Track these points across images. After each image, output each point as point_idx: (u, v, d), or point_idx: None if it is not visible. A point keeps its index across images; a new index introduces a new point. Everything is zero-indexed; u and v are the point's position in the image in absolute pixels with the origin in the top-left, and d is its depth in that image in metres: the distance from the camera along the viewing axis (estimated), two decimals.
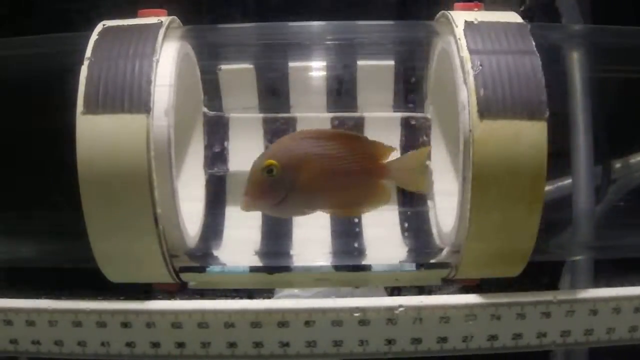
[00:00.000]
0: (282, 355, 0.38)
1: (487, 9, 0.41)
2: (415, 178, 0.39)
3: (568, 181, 0.45)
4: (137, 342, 0.38)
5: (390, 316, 0.37)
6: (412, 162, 0.38)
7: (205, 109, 0.47)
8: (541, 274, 0.47)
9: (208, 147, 0.47)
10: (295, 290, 0.48)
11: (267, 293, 0.48)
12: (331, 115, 0.47)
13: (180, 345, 0.38)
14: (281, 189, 0.36)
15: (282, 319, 0.37)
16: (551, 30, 0.45)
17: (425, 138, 0.47)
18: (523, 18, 0.39)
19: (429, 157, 0.44)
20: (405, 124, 0.48)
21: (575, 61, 0.44)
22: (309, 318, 0.37)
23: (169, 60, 0.37)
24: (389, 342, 0.38)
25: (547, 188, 0.42)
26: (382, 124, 0.47)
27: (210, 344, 0.38)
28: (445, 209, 0.43)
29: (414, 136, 0.47)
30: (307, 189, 0.37)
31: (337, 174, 0.37)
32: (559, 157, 0.44)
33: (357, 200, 0.38)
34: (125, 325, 0.38)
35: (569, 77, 0.44)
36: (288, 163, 0.36)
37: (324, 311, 0.37)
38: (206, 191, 0.47)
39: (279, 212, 0.39)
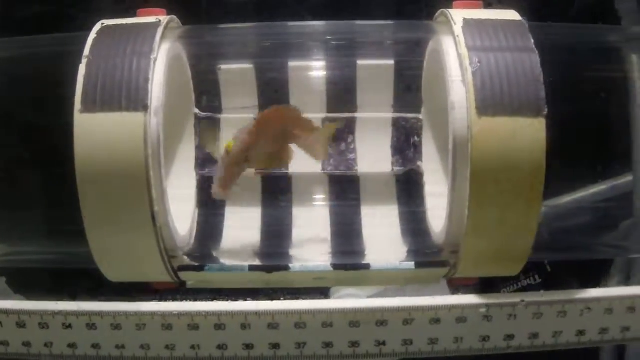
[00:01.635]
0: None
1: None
2: (314, 147, 0.42)
3: (624, 180, 0.45)
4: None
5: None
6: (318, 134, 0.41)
7: (196, 110, 0.47)
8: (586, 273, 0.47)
9: (199, 148, 0.47)
10: (351, 290, 0.48)
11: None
12: (323, 115, 0.47)
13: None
14: None
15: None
16: (611, 33, 0.46)
17: (416, 138, 0.47)
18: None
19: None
20: (397, 124, 0.48)
21: (635, 62, 0.44)
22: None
23: (160, 60, 0.37)
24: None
25: (602, 187, 0.44)
26: (373, 125, 0.47)
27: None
28: (438, 208, 0.43)
29: (405, 137, 0.47)
30: None
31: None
32: (617, 157, 0.44)
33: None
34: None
35: (629, 78, 0.44)
36: None
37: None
38: (197, 191, 0.46)
39: None
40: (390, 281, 0.43)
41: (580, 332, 0.39)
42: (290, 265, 0.40)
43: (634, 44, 0.45)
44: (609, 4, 0.51)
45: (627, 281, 0.50)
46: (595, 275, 0.50)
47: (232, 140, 0.39)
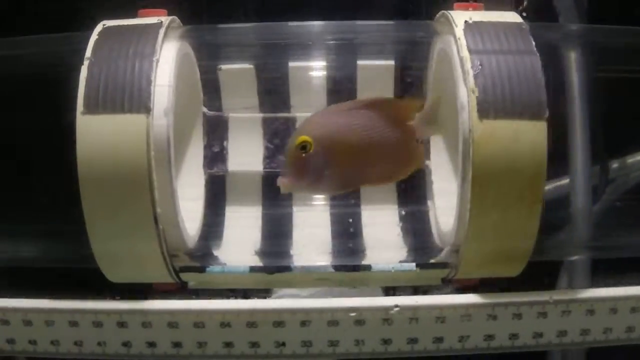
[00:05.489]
0: (278, 355, 0.38)
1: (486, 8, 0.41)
2: (435, 128, 0.40)
3: (566, 181, 0.45)
4: (133, 341, 0.38)
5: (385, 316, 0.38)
6: (433, 114, 0.39)
7: (204, 109, 0.47)
8: (540, 274, 0.47)
9: (207, 146, 0.47)
10: (293, 290, 0.48)
11: (264, 292, 0.48)
12: None
13: (177, 345, 0.38)
14: (317, 166, 0.36)
15: (279, 318, 0.38)
16: (548, 30, 0.45)
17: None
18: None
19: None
20: None
21: (573, 61, 0.44)
22: (305, 318, 0.38)
23: (168, 60, 0.37)
24: (385, 341, 0.38)
25: (546, 187, 0.42)
26: None
27: (206, 343, 0.38)
28: (445, 208, 0.43)
29: None
30: (344, 164, 0.36)
31: (371, 145, 0.37)
32: (557, 157, 0.44)
33: (394, 169, 0.39)
34: (121, 325, 0.38)
35: (567, 77, 0.44)
36: (322, 138, 0.36)
37: (320, 311, 0.38)
38: (206, 191, 0.46)
39: (317, 191, 0.38)
40: (392, 282, 0.44)
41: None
42: (292, 267, 0.40)
43: (571, 41, 0.44)
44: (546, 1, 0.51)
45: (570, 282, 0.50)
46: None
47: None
